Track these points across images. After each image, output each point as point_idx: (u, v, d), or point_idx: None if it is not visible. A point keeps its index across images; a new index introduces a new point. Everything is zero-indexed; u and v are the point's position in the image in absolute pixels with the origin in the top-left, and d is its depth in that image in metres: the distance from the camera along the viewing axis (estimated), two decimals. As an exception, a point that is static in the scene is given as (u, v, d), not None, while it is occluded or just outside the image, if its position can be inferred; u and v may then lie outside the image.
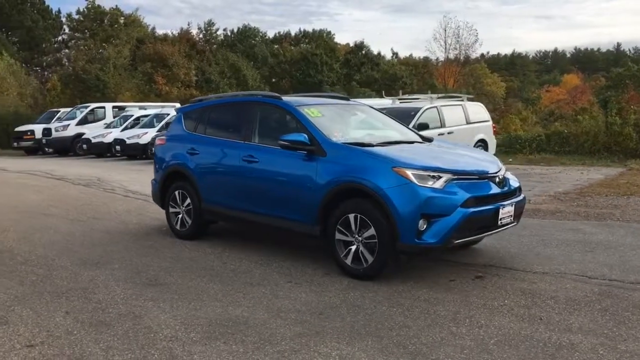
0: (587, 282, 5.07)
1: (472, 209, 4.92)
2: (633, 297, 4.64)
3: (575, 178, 12.57)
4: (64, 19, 55.84)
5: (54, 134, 22.71)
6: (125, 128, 20.45)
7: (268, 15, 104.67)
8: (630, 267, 5.47)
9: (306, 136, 5.56)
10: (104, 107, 24.00)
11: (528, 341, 3.82)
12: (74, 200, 10.30)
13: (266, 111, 6.32)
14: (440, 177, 4.96)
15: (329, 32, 59.74)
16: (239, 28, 59.46)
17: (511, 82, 65.14)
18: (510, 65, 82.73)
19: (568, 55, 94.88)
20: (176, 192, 7.00)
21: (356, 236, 5.18)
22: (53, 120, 24.03)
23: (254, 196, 6.11)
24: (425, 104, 13.79)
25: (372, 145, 5.57)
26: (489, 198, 5.15)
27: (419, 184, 4.88)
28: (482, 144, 14.73)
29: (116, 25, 51.70)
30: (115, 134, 20.30)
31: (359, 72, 49.42)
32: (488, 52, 76.92)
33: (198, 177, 6.67)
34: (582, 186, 11.19)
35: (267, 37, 60.32)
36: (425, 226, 4.86)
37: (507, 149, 18.94)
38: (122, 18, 51.39)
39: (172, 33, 48.81)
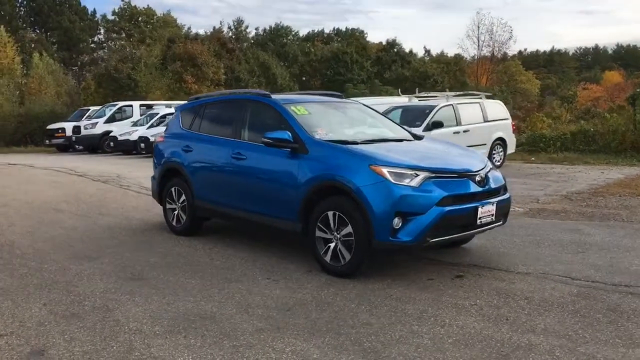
0: (569, 283, 4.98)
1: (448, 208, 4.88)
2: (610, 299, 4.53)
3: (593, 177, 12.27)
4: (99, 20, 57.24)
5: (83, 132, 23.30)
6: (151, 126, 20.79)
7: (304, 14, 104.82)
8: (617, 269, 5.34)
9: (289, 134, 5.59)
10: (131, 106, 24.47)
11: (486, 341, 3.78)
12: (88, 197, 10.55)
13: (256, 109, 6.37)
14: (417, 175, 4.93)
15: (362, 31, 59.69)
16: (270, 27, 59.98)
17: (549, 80, 63.81)
18: (548, 62, 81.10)
19: (610, 51, 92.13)
20: (172, 189, 7.12)
21: (335, 234, 5.20)
22: (83, 119, 24.63)
23: (242, 193, 6.18)
24: (441, 102, 13.67)
25: (357, 143, 5.58)
26: (468, 197, 5.08)
27: (394, 182, 4.87)
28: (501, 142, 14.55)
29: (150, 26, 52.72)
30: (140, 132, 20.68)
31: (389, 70, 49.18)
32: (526, 49, 75.58)
33: (191, 174, 6.78)
34: (597, 186, 10.92)
35: (299, 36, 60.58)
36: (400, 224, 4.84)
37: (532, 147, 18.58)
38: (155, 17, 52.26)
39: (205, 32, 49.65)
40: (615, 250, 5.99)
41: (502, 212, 5.50)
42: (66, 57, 51.91)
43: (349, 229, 5.06)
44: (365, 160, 5.07)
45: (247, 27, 59.80)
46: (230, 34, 57.79)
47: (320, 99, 6.85)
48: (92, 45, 57.12)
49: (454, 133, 13.22)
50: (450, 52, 63.16)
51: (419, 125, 12.74)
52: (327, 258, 5.27)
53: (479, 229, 5.26)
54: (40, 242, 6.82)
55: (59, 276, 5.39)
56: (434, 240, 4.95)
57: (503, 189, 5.56)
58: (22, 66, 43.43)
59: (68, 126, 24.63)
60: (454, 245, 6.15)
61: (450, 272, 5.36)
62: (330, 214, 5.20)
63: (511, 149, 15.06)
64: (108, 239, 6.95)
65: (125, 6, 53.88)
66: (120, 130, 22.06)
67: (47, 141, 25.52)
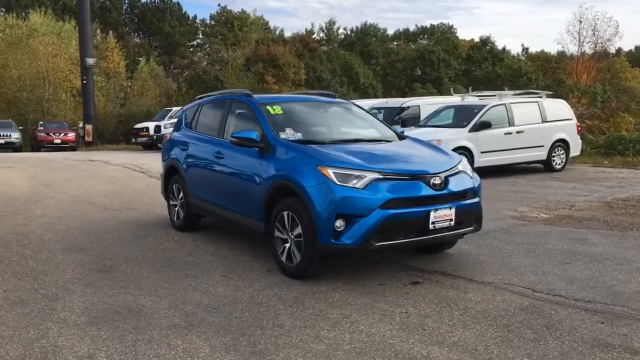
0: (527, 295, 4.64)
1: (392, 211, 4.69)
2: (555, 316, 4.17)
3: (655, 183, 11.23)
4: (198, 25, 60.02)
5: (163, 131, 24.48)
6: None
7: (404, 12, 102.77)
8: (593, 283, 4.89)
9: (257, 133, 5.63)
10: (207, 106, 25.40)
11: (383, 350, 3.61)
12: (130, 192, 11.13)
13: (237, 108, 6.46)
14: (364, 177, 4.79)
15: (451, 27, 58.02)
16: (357, 27, 59.78)
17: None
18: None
19: None
20: (173, 186, 7.37)
21: (289, 234, 5.16)
22: (165, 118, 25.91)
23: (221, 191, 6.30)
24: (492, 101, 13.06)
25: (324, 143, 5.52)
26: (417, 200, 4.85)
27: (338, 183, 4.76)
28: (562, 144, 13.66)
29: (245, 28, 54.55)
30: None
31: (479, 68, 47.59)
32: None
33: (186, 171, 6.99)
34: (653, 192, 9.98)
35: (386, 35, 59.78)
36: (343, 227, 4.72)
37: (609, 150, 17.27)
38: (249, 21, 53.95)
39: (298, 32, 50.63)
40: (607, 263, 5.48)
41: (469, 217, 5.20)
42: (166, 61, 54.82)
43: (299, 229, 5.01)
44: (314, 160, 4.99)
45: (338, 28, 60.21)
46: (322, 35, 58.54)
47: (306, 98, 6.82)
48: (191, 49, 59.93)
49: (505, 134, 12.61)
50: (553, 50, 59.83)
51: (466, 126, 12.30)
52: (283, 258, 5.25)
53: (435, 235, 4.98)
54: (51, 232, 7.28)
55: (40, 265, 5.74)
56: (380, 244, 4.77)
57: (471, 193, 5.24)
58: (126, 70, 46.58)
59: (151, 125, 26.01)
60: (436, 250, 5.91)
61: (410, 278, 5.16)
62: (285, 214, 5.17)
63: (575, 151, 14.07)
64: (110, 232, 7.29)
65: (222, 11, 56.14)
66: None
67: (133, 139, 27.13)
